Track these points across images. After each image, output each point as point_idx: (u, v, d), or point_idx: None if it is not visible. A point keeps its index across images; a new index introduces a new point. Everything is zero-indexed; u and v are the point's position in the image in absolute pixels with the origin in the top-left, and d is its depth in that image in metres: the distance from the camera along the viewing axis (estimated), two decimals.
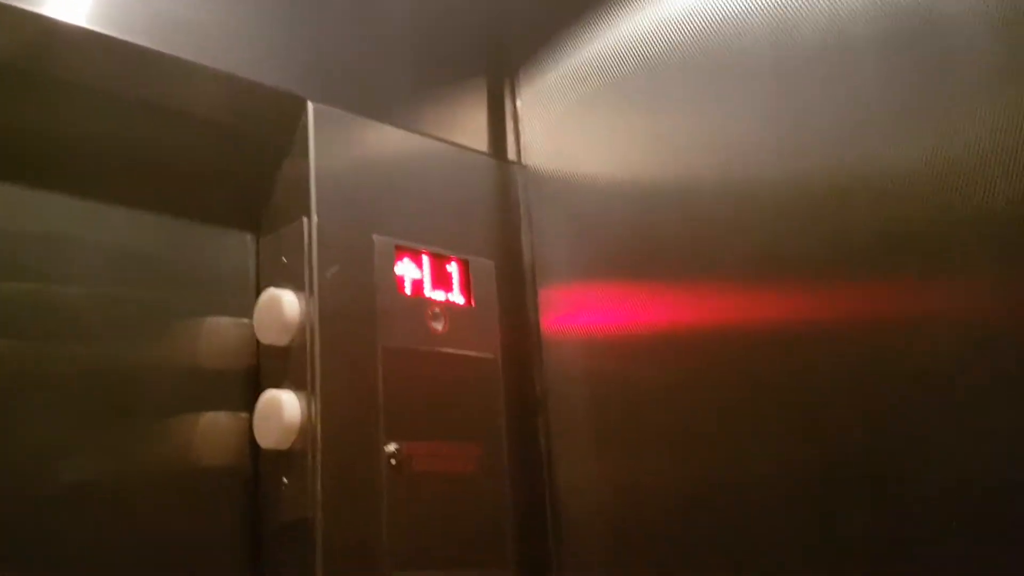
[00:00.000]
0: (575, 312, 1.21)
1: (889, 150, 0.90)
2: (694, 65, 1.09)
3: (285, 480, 1.00)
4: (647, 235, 1.13)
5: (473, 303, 1.18)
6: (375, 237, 1.09)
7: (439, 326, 1.13)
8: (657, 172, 1.13)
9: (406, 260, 1.12)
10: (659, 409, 1.09)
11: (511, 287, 1.24)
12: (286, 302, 1.02)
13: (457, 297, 1.17)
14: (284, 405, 0.99)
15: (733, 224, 1.04)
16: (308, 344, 1.00)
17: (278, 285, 1.04)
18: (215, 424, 1.04)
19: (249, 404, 1.03)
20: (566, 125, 1.26)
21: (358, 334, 1.04)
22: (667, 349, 1.09)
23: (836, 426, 0.93)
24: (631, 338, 1.13)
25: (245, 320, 1.07)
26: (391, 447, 1.03)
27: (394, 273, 1.10)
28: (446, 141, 1.23)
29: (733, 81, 1.05)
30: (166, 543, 0.98)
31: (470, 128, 1.27)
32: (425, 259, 1.15)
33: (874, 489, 0.89)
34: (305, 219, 1.04)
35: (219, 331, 1.07)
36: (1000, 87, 0.83)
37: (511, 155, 1.31)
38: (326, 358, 1.00)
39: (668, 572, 1.06)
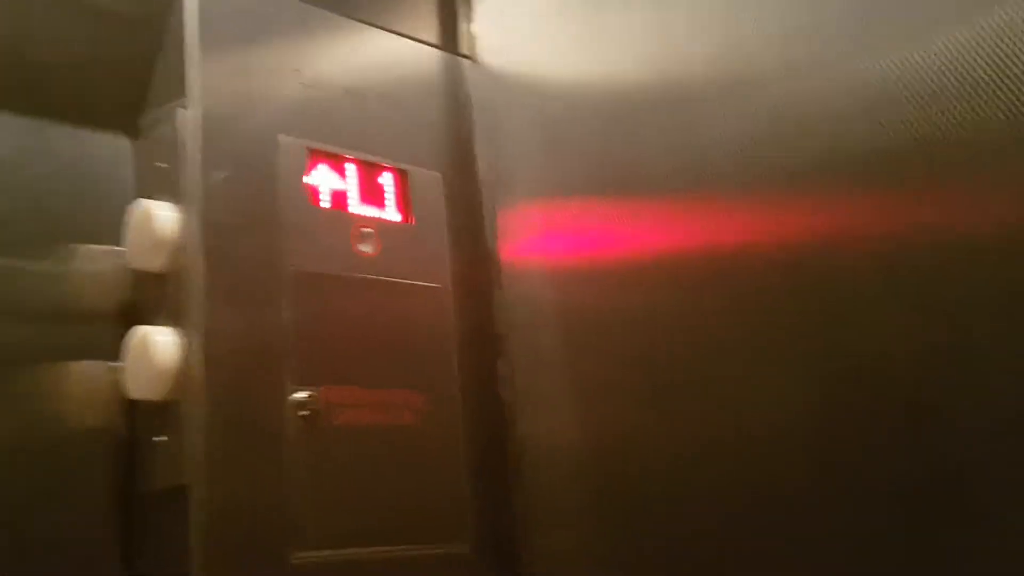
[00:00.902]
0: (541, 236, 0.99)
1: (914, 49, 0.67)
2: None
3: (159, 439, 0.79)
4: (628, 146, 0.90)
5: (413, 221, 0.96)
6: (281, 138, 0.87)
7: (368, 248, 0.91)
8: (639, 73, 0.89)
9: (323, 168, 0.90)
10: (646, 348, 0.87)
11: (463, 205, 1.02)
12: (158, 215, 0.80)
13: (392, 214, 0.95)
14: (155, 345, 0.78)
15: (732, 132, 0.81)
16: (187, 268, 0.79)
17: (155, 196, 0.83)
18: (82, 375, 0.83)
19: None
20: (528, 16, 1.03)
21: (257, 255, 0.82)
22: (655, 278, 0.87)
23: (866, 360, 0.71)
24: (611, 266, 0.91)
25: (120, 248, 0.85)
26: (301, 395, 0.82)
27: (303, 182, 0.88)
28: (380, 26, 1.00)
29: None
30: (22, 517, 0.78)
31: (410, 12, 1.05)
32: (350, 167, 0.93)
33: (912, 431, 0.67)
34: (185, 111, 0.82)
35: (88, 260, 0.86)
36: None
37: (463, 49, 1.09)
38: (212, 284, 0.79)
39: (659, 542, 0.85)
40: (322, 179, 0.90)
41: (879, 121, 0.70)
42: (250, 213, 0.83)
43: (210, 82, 0.83)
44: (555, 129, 0.99)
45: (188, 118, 0.81)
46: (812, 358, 0.74)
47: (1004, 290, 0.63)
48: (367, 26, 0.99)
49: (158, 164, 0.84)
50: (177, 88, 0.84)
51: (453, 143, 1.04)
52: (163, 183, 0.83)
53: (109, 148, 0.87)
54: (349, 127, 0.93)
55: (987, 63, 0.63)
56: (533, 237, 1.00)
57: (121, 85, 0.88)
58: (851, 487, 0.71)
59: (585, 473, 0.92)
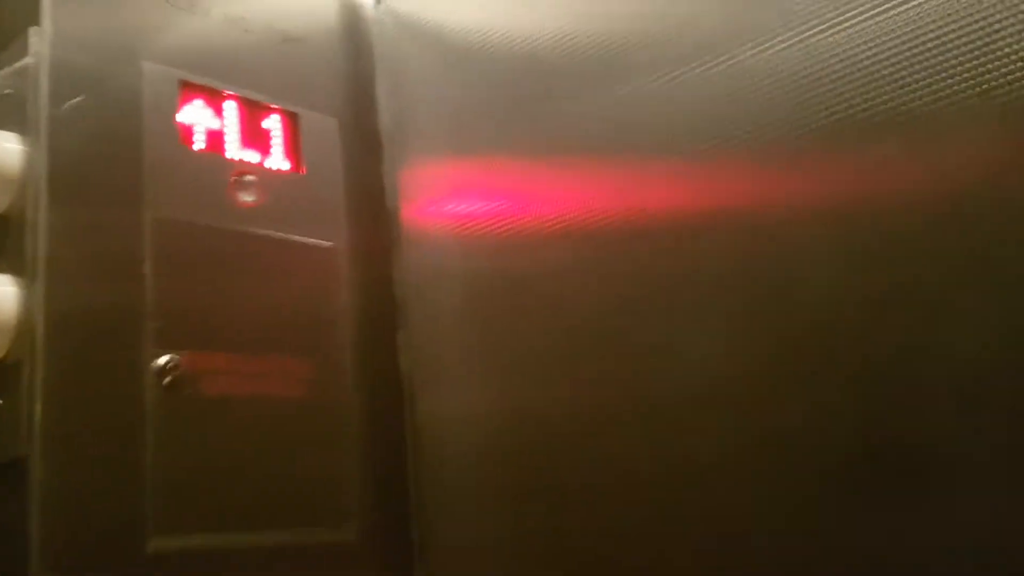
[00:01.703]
0: (448, 195, 0.90)
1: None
2: None
3: None
4: (546, 102, 0.82)
5: (303, 170, 0.86)
6: (147, 65, 0.76)
7: (249, 197, 0.81)
8: (564, 27, 0.81)
9: (198, 103, 0.80)
10: (558, 315, 0.80)
11: (361, 156, 0.93)
12: (1, 148, 0.69)
13: (279, 162, 0.85)
14: None
15: (662, 95, 0.73)
16: (30, 207, 0.68)
17: None
18: None
19: None
20: None
21: (114, 197, 0.72)
22: (572, 241, 0.79)
23: (804, 320, 0.64)
24: (524, 228, 0.83)
25: None
26: (162, 360, 0.71)
27: (175, 119, 0.77)
28: None
29: None
30: None
31: None
32: (230, 105, 0.82)
33: (855, 397, 0.61)
34: (35, 29, 0.71)
35: None
36: None
37: None
38: (58, 228, 0.68)
39: (573, 528, 0.77)
40: (196, 117, 0.79)
41: (822, 86, 0.64)
42: (107, 149, 0.72)
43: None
44: (466, 81, 0.90)
45: (37, 38, 0.70)
46: (737, 322, 0.68)
47: (953, 252, 0.57)
48: None
49: (4, 90, 0.73)
50: (24, 6, 0.72)
51: (352, 87, 0.94)
52: (7, 111, 0.72)
53: None
54: (230, 60, 0.83)
55: (956, 29, 0.57)
56: (438, 196, 0.91)
57: None
58: (788, 455, 0.65)
59: (491, 451, 0.84)
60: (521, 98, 0.84)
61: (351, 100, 0.93)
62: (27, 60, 0.70)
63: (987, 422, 0.55)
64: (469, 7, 0.90)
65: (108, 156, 0.72)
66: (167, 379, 0.72)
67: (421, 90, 0.94)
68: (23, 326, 0.67)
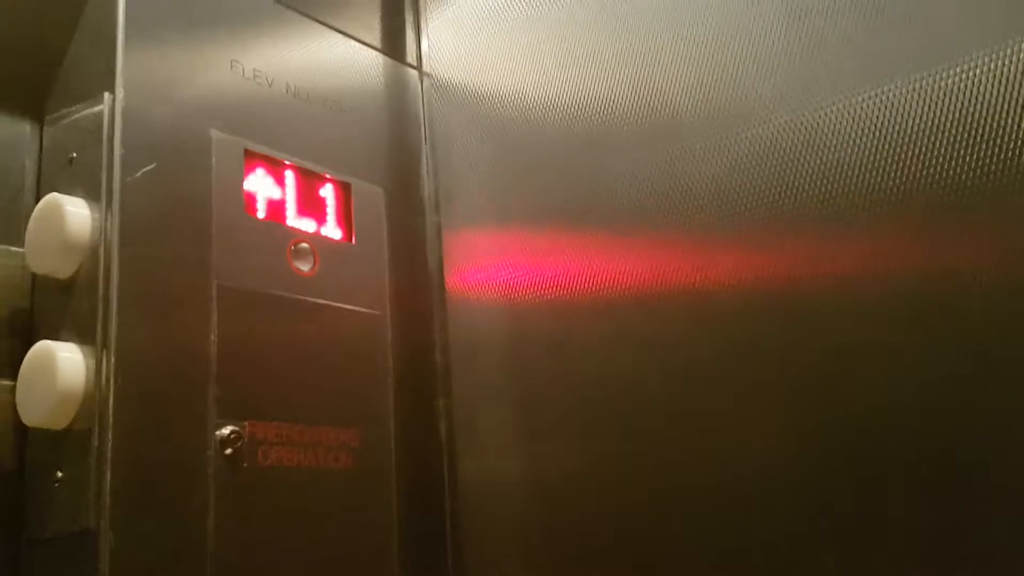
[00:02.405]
0: (492, 261, 0.91)
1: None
2: None
3: (60, 474, 0.67)
4: (596, 174, 0.84)
5: (354, 240, 0.87)
6: (215, 133, 0.77)
7: (305, 266, 0.81)
8: (614, 99, 0.83)
9: (260, 172, 0.80)
10: (606, 386, 0.81)
11: (407, 223, 0.94)
12: (70, 212, 0.69)
13: (332, 231, 0.86)
14: (59, 363, 0.66)
15: (714, 166, 0.75)
16: (101, 275, 0.67)
17: (64, 191, 0.71)
18: None
19: (17, 366, 0.69)
20: (489, 29, 0.96)
21: (181, 264, 0.72)
22: (620, 311, 0.80)
23: (861, 408, 0.65)
24: (570, 297, 0.84)
25: (16, 248, 0.73)
26: (226, 430, 0.71)
27: (241, 187, 0.78)
28: (328, 24, 0.91)
29: None
30: None
31: (358, 15, 0.96)
32: (289, 175, 0.83)
33: (910, 488, 0.62)
34: (107, 95, 0.71)
35: None
36: None
37: (411, 59, 1.00)
38: (128, 296, 0.67)
39: None
40: (259, 185, 0.79)
41: (877, 157, 0.66)
42: (177, 216, 0.72)
43: (136, 66, 0.72)
44: (510, 150, 0.91)
45: (113, 104, 0.70)
46: (787, 403, 0.69)
47: (1007, 337, 0.59)
48: (313, 21, 0.90)
49: (72, 154, 0.73)
50: (98, 70, 0.73)
51: (398, 157, 0.95)
52: (76, 176, 0.72)
53: (8, 133, 0.75)
54: (289, 129, 0.84)
55: (1018, 100, 0.59)
56: (482, 263, 0.92)
57: (26, 61, 0.76)
58: (839, 544, 0.65)
59: (530, 521, 0.84)
60: (561, 165, 0.86)
61: (397, 169, 0.94)
62: (100, 126, 0.70)
63: None
64: (509, 76, 0.92)
65: (178, 224, 0.72)
66: (229, 449, 0.71)
67: (463, 158, 0.96)
68: (90, 393, 0.66)
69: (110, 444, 0.64)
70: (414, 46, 1.01)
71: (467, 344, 0.91)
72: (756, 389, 0.71)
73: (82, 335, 0.67)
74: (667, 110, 0.78)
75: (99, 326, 0.67)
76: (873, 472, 0.64)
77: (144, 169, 0.70)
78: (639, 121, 0.80)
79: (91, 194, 0.70)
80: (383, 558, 0.81)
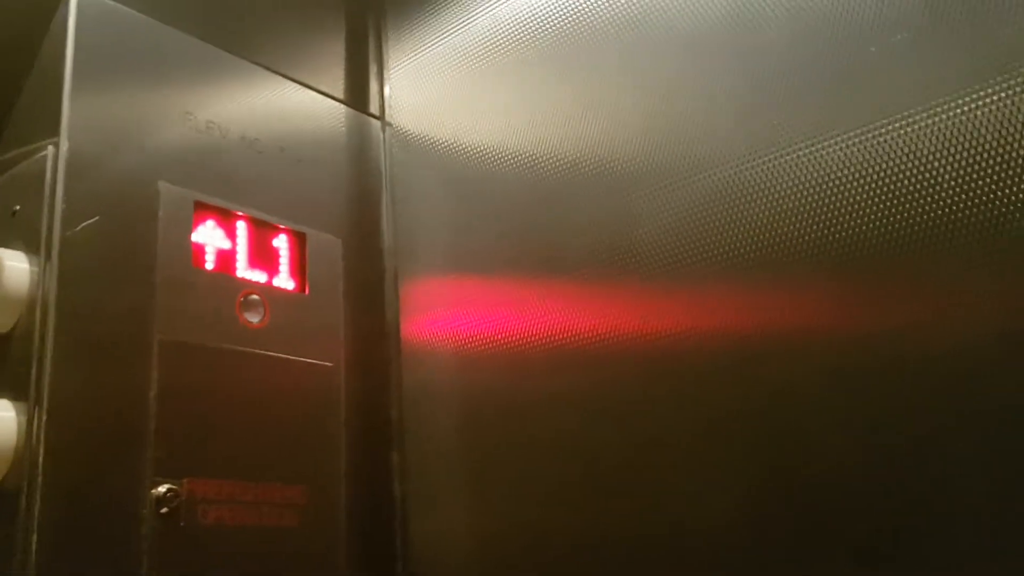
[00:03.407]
0: (447, 313, 0.90)
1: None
2: (607, 28, 0.81)
3: None
4: (548, 222, 0.83)
5: (308, 290, 0.86)
6: (163, 186, 0.76)
7: (255, 318, 0.80)
8: (569, 149, 0.83)
9: (211, 223, 0.79)
10: (558, 440, 0.79)
11: (363, 275, 0.93)
12: (8, 266, 0.68)
13: (285, 281, 0.85)
14: None
15: (668, 217, 0.75)
16: (37, 329, 0.66)
17: (6, 243, 0.70)
18: None
19: None
20: (448, 80, 0.96)
21: (122, 319, 0.71)
22: (571, 364, 0.79)
23: (814, 462, 0.64)
24: (523, 349, 0.83)
25: None
26: (162, 488, 0.69)
27: (189, 240, 0.77)
28: (286, 75, 0.91)
29: (659, 47, 0.77)
30: None
31: (319, 65, 0.96)
32: (241, 225, 0.82)
33: (861, 551, 0.61)
34: (51, 146, 0.70)
35: None
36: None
37: (373, 109, 1.00)
38: (64, 351, 0.66)
39: None
40: (208, 237, 0.79)
41: (827, 213, 0.65)
42: (120, 270, 0.71)
43: (84, 116, 0.72)
44: (470, 200, 0.91)
45: (57, 155, 0.69)
46: (739, 461, 0.68)
47: (960, 406, 0.58)
48: (272, 73, 0.89)
49: (15, 206, 0.72)
50: (43, 121, 0.72)
51: (357, 207, 0.94)
52: (17, 228, 0.71)
53: None
54: (243, 180, 0.83)
55: (956, 157, 0.59)
56: (438, 314, 0.91)
57: None
58: None
59: None
60: (527, 219, 0.85)
61: (356, 220, 0.94)
62: (42, 177, 0.70)
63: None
64: (469, 126, 0.91)
65: (120, 278, 0.71)
66: (165, 508, 0.69)
67: (423, 209, 0.95)
68: (22, 453, 0.64)
69: (38, 503, 0.62)
70: (377, 96, 1.00)
71: (421, 397, 0.90)
72: (702, 445, 0.70)
73: (16, 391, 0.66)
74: (618, 162, 0.78)
75: (32, 382, 0.65)
76: (815, 532, 0.62)
77: (86, 222, 0.69)
78: (592, 173, 0.80)
79: (31, 247, 0.69)
80: None
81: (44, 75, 0.74)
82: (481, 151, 0.90)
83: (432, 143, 0.95)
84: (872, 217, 0.62)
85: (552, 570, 0.78)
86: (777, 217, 0.67)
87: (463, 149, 0.92)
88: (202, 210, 0.79)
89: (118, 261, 0.71)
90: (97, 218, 0.70)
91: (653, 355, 0.73)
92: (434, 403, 0.89)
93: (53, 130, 0.71)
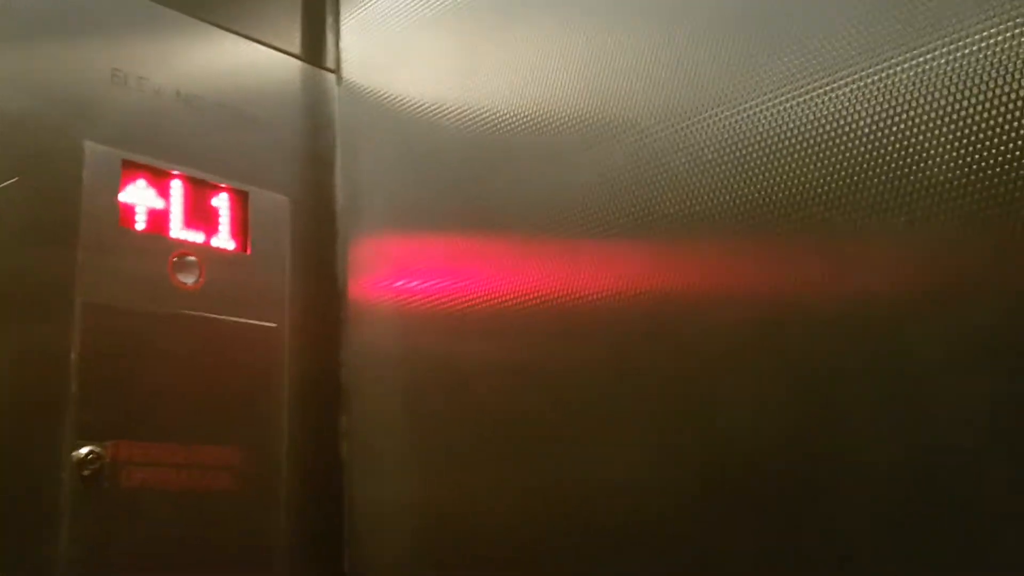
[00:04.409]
0: (392, 273, 0.88)
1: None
2: None
3: None
4: (487, 180, 0.81)
5: (250, 251, 0.85)
6: (89, 145, 0.75)
7: (189, 279, 0.79)
8: (507, 107, 0.80)
9: (141, 183, 0.78)
10: (498, 402, 0.78)
11: (313, 234, 0.91)
12: None
13: (225, 241, 0.83)
14: None
15: (594, 175, 0.72)
16: None
17: None
18: None
19: None
20: (400, 32, 0.93)
21: (40, 282, 0.70)
22: (508, 325, 0.77)
23: (737, 418, 0.62)
24: (459, 311, 0.81)
25: None
26: (83, 451, 0.69)
27: (116, 200, 0.75)
28: (231, 29, 0.89)
29: (592, 5, 0.74)
30: None
31: (269, 17, 0.93)
32: (176, 184, 0.81)
33: (784, 496, 0.59)
34: None
35: None
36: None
37: (329, 63, 0.98)
38: None
39: None
40: (139, 197, 0.77)
41: (752, 173, 0.62)
42: (40, 232, 0.70)
43: (2, 77, 0.70)
44: (415, 157, 0.89)
45: None
46: (675, 415, 0.66)
47: (880, 362, 0.56)
48: (214, 27, 0.87)
49: None
50: None
51: (308, 165, 0.93)
52: None
53: None
54: (179, 138, 0.81)
55: (872, 117, 0.56)
56: (383, 273, 0.89)
57: None
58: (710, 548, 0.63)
59: (425, 540, 0.82)
60: (465, 174, 0.83)
61: (306, 178, 0.92)
62: None
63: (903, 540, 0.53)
64: (420, 81, 0.89)
65: (42, 240, 0.70)
66: (86, 471, 0.69)
67: (375, 167, 0.93)
68: None
69: None
70: (333, 50, 0.98)
71: (367, 359, 0.88)
72: (625, 405, 0.68)
73: None
74: (552, 122, 0.75)
75: None
76: (732, 489, 0.61)
77: (5, 183, 0.68)
78: (528, 131, 0.77)
79: None
80: None
81: None
82: (426, 108, 0.87)
83: (385, 97, 0.93)
84: (787, 174, 0.59)
85: (488, 532, 0.77)
86: (698, 177, 0.65)
87: (409, 105, 0.89)
88: (131, 169, 0.77)
89: (40, 223, 0.71)
90: (16, 179, 0.69)
91: (576, 317, 0.71)
92: (379, 366, 0.88)
93: None
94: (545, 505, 0.73)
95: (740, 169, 0.62)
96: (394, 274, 0.87)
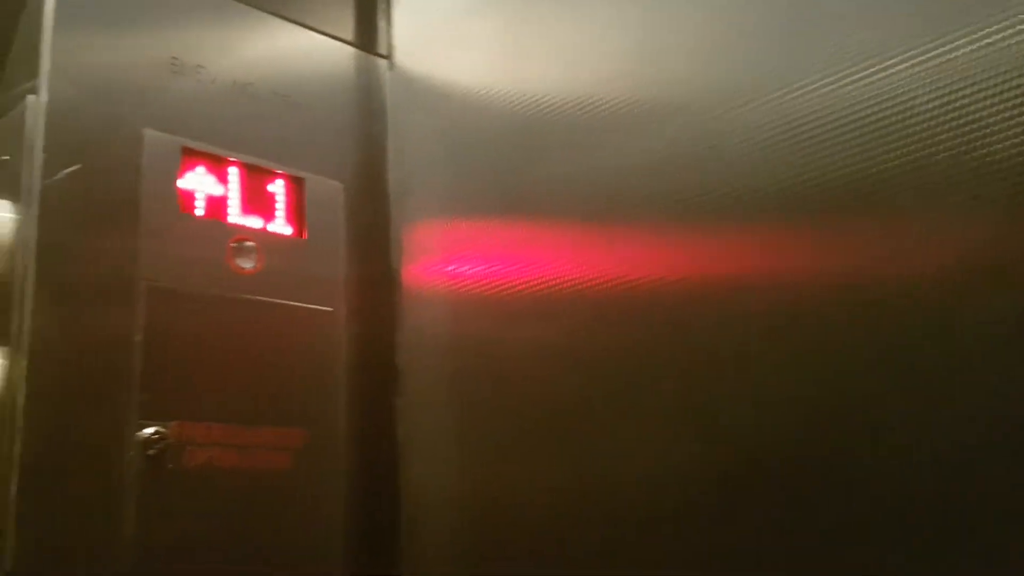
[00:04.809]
0: (444, 258, 0.88)
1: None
2: None
3: None
4: (536, 165, 0.80)
5: (305, 236, 0.86)
6: (148, 132, 0.76)
7: (248, 264, 0.80)
8: (556, 90, 0.79)
9: (200, 170, 0.79)
10: (540, 390, 0.77)
11: (366, 219, 0.92)
12: None
13: (281, 227, 0.84)
14: None
15: (645, 159, 0.71)
16: (17, 276, 0.68)
17: None
18: None
19: None
20: (448, 18, 0.93)
21: (103, 266, 0.71)
22: (552, 313, 0.77)
23: (795, 406, 0.61)
24: (509, 296, 0.81)
25: None
26: (149, 430, 0.71)
27: (175, 186, 0.77)
28: (284, 16, 0.90)
29: None
30: None
31: (321, 4, 0.94)
32: (234, 171, 0.82)
33: (788, 510, 0.58)
34: (31, 96, 0.71)
35: None
36: None
37: (381, 49, 0.98)
38: (45, 297, 0.67)
39: None
40: (198, 183, 0.79)
41: (809, 154, 0.61)
42: (102, 217, 0.72)
43: (64, 65, 0.72)
44: (464, 141, 0.89)
45: (33, 103, 0.70)
46: (713, 407, 0.65)
47: (945, 344, 0.54)
48: (267, 15, 0.88)
49: (3, 156, 0.73)
50: (28, 71, 0.73)
51: (361, 151, 0.93)
52: (4, 178, 0.72)
53: None
54: (236, 125, 0.82)
55: (928, 98, 0.54)
56: (436, 258, 0.89)
57: None
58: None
59: (470, 527, 0.82)
60: (515, 160, 0.83)
61: (359, 164, 0.93)
62: (22, 125, 0.70)
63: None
64: (477, 66, 0.88)
65: (104, 224, 0.72)
66: (151, 451, 0.70)
67: (426, 152, 0.93)
68: (3, 398, 0.66)
69: (17, 448, 0.64)
70: (385, 35, 0.98)
71: (419, 342, 0.89)
72: (678, 392, 0.68)
73: (1, 337, 0.68)
74: (603, 105, 0.75)
75: (14, 327, 0.67)
76: (746, 480, 0.60)
77: (67, 170, 0.70)
78: (581, 115, 0.77)
79: (14, 195, 0.70)
80: (325, 562, 0.80)
81: (27, 28, 0.74)
82: (475, 93, 0.87)
83: (436, 82, 0.93)
84: (846, 154, 0.58)
85: (536, 518, 0.77)
86: (754, 159, 0.64)
87: (459, 91, 0.89)
88: (191, 156, 0.79)
89: (101, 208, 0.72)
90: (79, 166, 0.71)
91: (628, 303, 0.70)
92: (430, 350, 0.88)
93: (34, 79, 0.71)
94: (592, 495, 0.73)
95: (797, 150, 0.61)
96: (446, 259, 0.87)
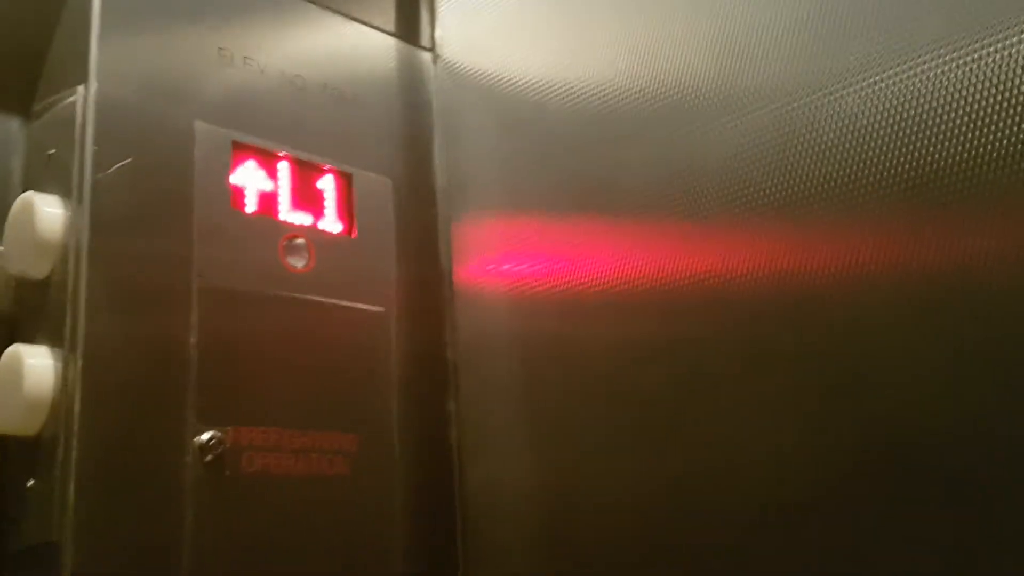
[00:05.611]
0: (500, 256, 0.86)
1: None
2: None
3: (31, 483, 0.64)
4: (605, 160, 0.78)
5: (356, 234, 0.83)
6: (199, 125, 0.73)
7: (299, 262, 0.77)
8: (624, 81, 0.77)
9: (251, 164, 0.77)
10: (612, 387, 0.75)
11: (415, 216, 0.89)
12: (42, 211, 0.66)
13: (332, 224, 0.82)
14: (26, 369, 0.63)
15: (727, 152, 0.69)
16: (71, 275, 0.65)
17: (42, 188, 0.69)
18: None
19: None
20: (499, 8, 0.90)
21: (159, 263, 0.68)
22: (628, 306, 0.74)
23: (891, 400, 0.58)
24: (577, 292, 0.78)
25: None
26: (205, 435, 0.68)
27: (227, 181, 0.74)
28: (331, 8, 0.87)
29: None
30: None
31: None
32: (284, 166, 0.79)
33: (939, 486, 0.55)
34: (81, 88, 0.68)
35: None
36: None
37: (424, 41, 0.96)
38: (99, 297, 0.65)
39: None
40: (249, 178, 0.76)
41: (911, 140, 0.58)
42: (155, 214, 0.69)
43: (112, 57, 0.69)
44: (522, 136, 0.86)
45: (83, 97, 0.67)
46: (796, 403, 0.62)
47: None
48: (313, 6, 0.86)
49: (50, 151, 0.70)
50: (76, 64, 0.70)
51: (408, 146, 0.91)
52: (52, 173, 0.69)
53: None
54: (284, 118, 0.80)
55: None
56: (491, 256, 0.87)
57: (14, 58, 0.74)
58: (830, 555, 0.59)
59: (540, 529, 0.79)
60: (580, 155, 0.80)
61: (406, 158, 0.90)
62: (73, 121, 0.68)
63: None
64: (526, 59, 0.86)
65: (156, 221, 0.69)
66: (209, 456, 0.68)
67: (476, 146, 0.91)
68: (59, 402, 0.63)
69: (75, 453, 0.61)
70: (428, 28, 0.96)
71: (475, 342, 0.86)
72: (757, 388, 0.65)
73: (53, 338, 0.65)
74: (673, 95, 0.72)
75: (67, 328, 0.64)
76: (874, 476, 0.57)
77: (118, 164, 0.67)
78: (648, 107, 0.74)
79: (65, 191, 0.67)
80: (384, 568, 0.77)
81: (73, 20, 0.72)
82: (532, 86, 0.85)
83: (484, 76, 0.90)
84: (952, 139, 0.55)
85: (607, 515, 0.74)
86: (851, 146, 0.61)
87: (513, 83, 0.87)
88: (241, 150, 0.76)
89: (153, 204, 0.69)
90: (130, 160, 0.68)
91: (709, 296, 0.67)
92: (489, 349, 0.85)
93: (82, 73, 0.69)
94: (660, 488, 0.70)
95: (898, 136, 0.58)
96: (503, 257, 0.85)
